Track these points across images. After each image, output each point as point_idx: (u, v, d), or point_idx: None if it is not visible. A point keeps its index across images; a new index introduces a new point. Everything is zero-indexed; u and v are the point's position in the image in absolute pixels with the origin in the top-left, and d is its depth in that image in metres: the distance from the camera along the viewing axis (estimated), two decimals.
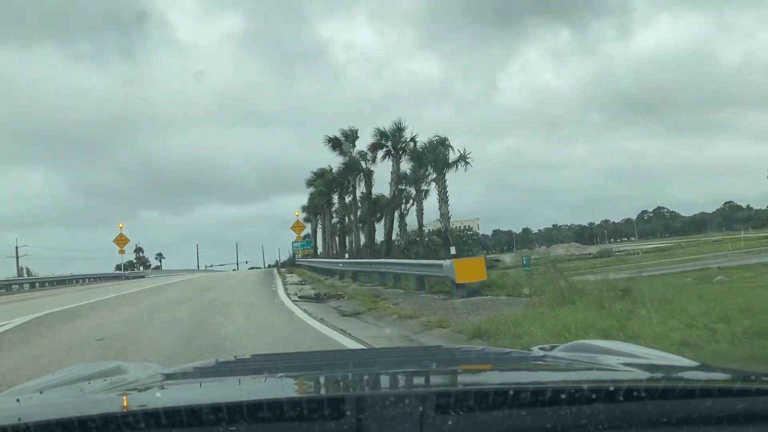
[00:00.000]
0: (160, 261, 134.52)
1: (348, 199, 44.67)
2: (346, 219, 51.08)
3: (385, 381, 1.73)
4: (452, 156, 31.42)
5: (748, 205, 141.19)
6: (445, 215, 31.04)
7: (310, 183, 52.88)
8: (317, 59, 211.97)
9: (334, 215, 56.24)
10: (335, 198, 51.31)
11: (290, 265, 52.90)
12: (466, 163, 31.24)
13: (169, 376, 1.88)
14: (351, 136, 38.74)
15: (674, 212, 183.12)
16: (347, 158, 38.08)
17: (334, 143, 38.99)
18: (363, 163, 36.17)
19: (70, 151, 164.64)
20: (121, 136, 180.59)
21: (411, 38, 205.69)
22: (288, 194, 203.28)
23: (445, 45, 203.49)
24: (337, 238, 55.86)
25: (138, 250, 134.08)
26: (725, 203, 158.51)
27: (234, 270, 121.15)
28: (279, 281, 26.50)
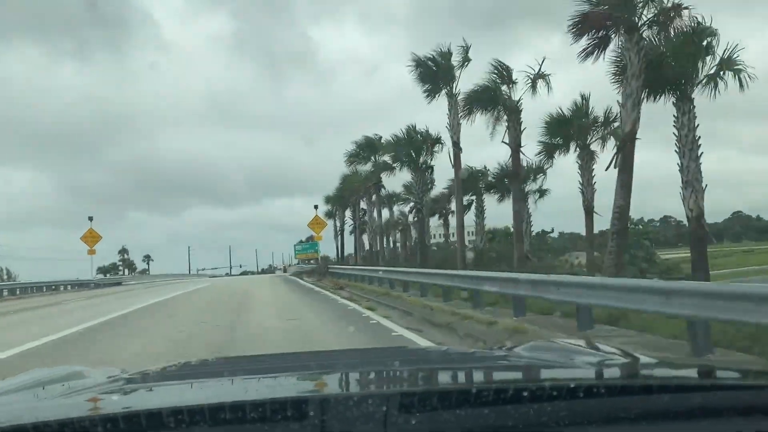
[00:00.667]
0: (148, 264, 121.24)
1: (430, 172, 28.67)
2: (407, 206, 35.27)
3: (348, 382, 1.74)
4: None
5: (758, 216, 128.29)
6: (695, 186, 14.92)
7: (352, 157, 36.64)
8: (307, 62, 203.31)
9: (372, 203, 40.30)
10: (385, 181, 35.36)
11: (321, 273, 36.71)
12: (738, 74, 15.18)
13: (130, 380, 1.83)
14: (448, 56, 22.66)
15: (681, 221, 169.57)
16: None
17: (423, 70, 22.87)
18: (506, 91, 19.93)
19: (56, 150, 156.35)
20: (109, 136, 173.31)
21: (401, 41, 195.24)
22: (279, 197, 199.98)
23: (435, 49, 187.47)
24: (395, 235, 40.28)
25: (123, 251, 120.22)
26: (733, 213, 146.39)
27: (227, 275, 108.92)
28: (407, 331, 10.12)
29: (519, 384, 1.43)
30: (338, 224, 54.81)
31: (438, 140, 26.96)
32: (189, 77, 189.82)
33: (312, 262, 68.00)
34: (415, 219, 32.19)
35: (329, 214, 57.37)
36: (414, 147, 27.81)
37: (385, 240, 46.86)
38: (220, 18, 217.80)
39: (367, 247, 47.53)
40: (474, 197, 29.40)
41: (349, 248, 55.39)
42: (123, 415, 1.17)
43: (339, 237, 54.79)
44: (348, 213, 52.26)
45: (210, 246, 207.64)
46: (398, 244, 48.87)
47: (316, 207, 48.83)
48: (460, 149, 22.21)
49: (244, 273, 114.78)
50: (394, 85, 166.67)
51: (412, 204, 34.53)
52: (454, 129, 22.36)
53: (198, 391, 1.70)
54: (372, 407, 1.16)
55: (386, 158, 32.36)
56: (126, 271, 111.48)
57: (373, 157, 35.66)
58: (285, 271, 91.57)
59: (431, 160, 28.51)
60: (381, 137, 34.94)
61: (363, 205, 46.64)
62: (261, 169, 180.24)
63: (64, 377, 1.88)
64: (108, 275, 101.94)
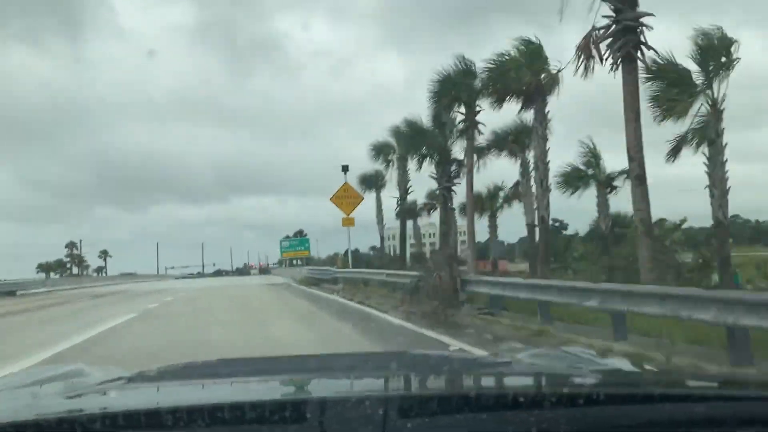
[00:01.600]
0: (105, 261, 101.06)
1: None
2: None
3: (348, 384, 1.74)
4: None
5: (756, 220, 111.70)
6: None
7: None
8: (275, 56, 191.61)
9: None
10: None
11: (439, 297, 12.81)
12: None
13: (130, 380, 1.83)
14: None
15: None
16: None
17: None
18: None
19: (12, 141, 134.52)
20: (68, 127, 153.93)
21: (372, 36, 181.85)
22: (249, 196, 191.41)
23: (407, 44, 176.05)
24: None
25: (71, 245, 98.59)
26: (731, 216, 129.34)
27: (199, 275, 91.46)
28: None
29: (518, 390, 1.45)
30: (400, 191, 31.07)
31: None
32: (151, 68, 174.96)
33: (298, 262, 48.12)
34: None
35: (368, 183, 34.04)
36: None
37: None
38: (183, 7, 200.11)
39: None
40: None
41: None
42: (122, 413, 1.18)
43: (400, 218, 30.95)
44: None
45: (179, 244, 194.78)
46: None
47: (345, 169, 25.64)
48: None
49: (218, 273, 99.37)
50: (366, 81, 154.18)
51: None
52: None
53: (197, 391, 1.72)
54: (370, 410, 1.15)
55: None
56: (75, 270, 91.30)
57: None
58: (263, 272, 78.02)
59: None
60: None
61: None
62: (229, 166, 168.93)
63: (65, 375, 1.91)
64: (56, 274, 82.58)
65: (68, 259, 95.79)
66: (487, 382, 1.78)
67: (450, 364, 2.24)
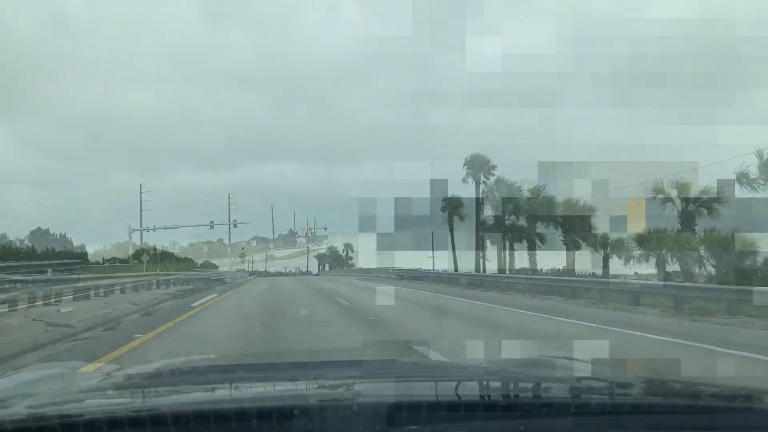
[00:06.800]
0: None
1: None
2: None
3: (338, 391, 1.77)
4: None
5: None
6: None
7: None
8: (285, 10, 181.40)
9: None
10: None
11: None
12: None
13: (129, 377, 1.93)
14: None
15: None
16: None
17: None
18: None
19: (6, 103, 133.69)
20: (60, 86, 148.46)
21: None
22: (266, 162, 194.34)
23: None
24: None
25: None
26: None
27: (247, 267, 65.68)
28: None
29: (493, 398, 1.57)
30: None
31: None
32: (150, 25, 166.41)
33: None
34: None
35: None
36: None
37: None
38: None
39: None
40: None
41: None
42: (105, 420, 1.21)
43: None
44: None
45: (203, 210, 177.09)
46: None
47: None
48: None
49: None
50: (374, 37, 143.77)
51: None
52: None
53: (190, 395, 1.74)
54: (362, 416, 1.20)
55: None
56: None
57: None
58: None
59: None
60: None
61: None
62: (239, 131, 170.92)
63: (59, 375, 1.96)
64: None
65: None
66: (473, 389, 1.85)
67: (440, 373, 2.40)
